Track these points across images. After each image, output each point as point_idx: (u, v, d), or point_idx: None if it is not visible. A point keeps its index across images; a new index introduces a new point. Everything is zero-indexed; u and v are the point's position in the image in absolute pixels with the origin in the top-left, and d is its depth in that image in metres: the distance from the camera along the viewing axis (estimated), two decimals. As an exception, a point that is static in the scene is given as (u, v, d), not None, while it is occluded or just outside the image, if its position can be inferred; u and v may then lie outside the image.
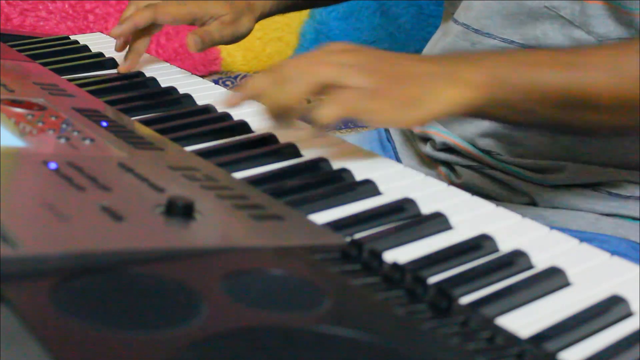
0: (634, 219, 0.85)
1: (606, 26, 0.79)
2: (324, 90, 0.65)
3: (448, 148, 0.91)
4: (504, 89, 0.66)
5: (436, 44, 0.95)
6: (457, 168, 0.91)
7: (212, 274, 0.45)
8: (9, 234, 0.43)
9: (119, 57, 0.99)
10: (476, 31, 0.87)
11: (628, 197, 0.85)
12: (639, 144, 0.84)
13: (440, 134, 0.91)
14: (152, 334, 0.37)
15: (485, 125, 0.87)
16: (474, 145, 0.89)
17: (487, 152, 0.88)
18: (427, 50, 0.98)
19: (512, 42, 0.84)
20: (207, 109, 0.82)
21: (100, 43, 1.06)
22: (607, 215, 0.85)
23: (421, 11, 1.95)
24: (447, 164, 0.92)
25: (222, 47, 1.92)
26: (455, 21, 0.90)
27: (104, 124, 0.70)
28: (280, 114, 0.66)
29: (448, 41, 0.91)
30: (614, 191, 0.85)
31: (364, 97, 0.64)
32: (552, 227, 0.60)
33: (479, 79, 0.66)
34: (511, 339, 0.44)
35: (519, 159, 0.86)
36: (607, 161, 0.84)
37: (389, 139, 1.04)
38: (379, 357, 0.40)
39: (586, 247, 0.57)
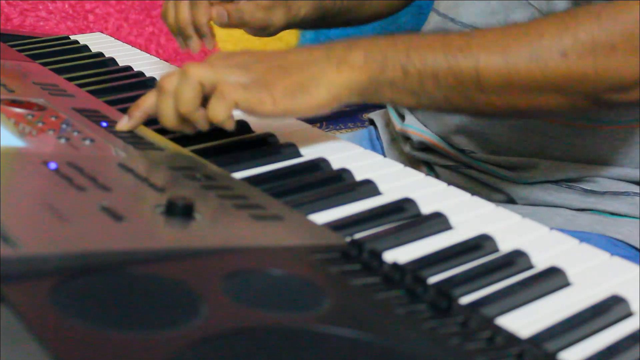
0: (610, 213, 0.85)
1: None
2: (210, 91, 0.65)
3: (426, 147, 0.91)
4: (392, 71, 0.66)
5: None
6: (436, 167, 0.91)
7: (212, 274, 0.45)
8: (9, 234, 0.43)
9: (119, 57, 0.99)
10: (452, 20, 0.87)
11: (604, 193, 0.85)
12: (610, 140, 0.84)
13: (418, 132, 0.92)
14: (152, 334, 0.37)
15: (457, 120, 0.87)
16: (449, 143, 0.89)
17: (461, 150, 0.88)
18: None
19: None
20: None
21: (100, 43, 1.07)
22: (584, 210, 0.85)
23: (421, 11, 1.94)
24: (427, 163, 0.93)
25: (221, 47, 1.92)
26: (436, 11, 0.91)
27: (104, 124, 0.70)
28: (181, 123, 0.67)
29: (428, 30, 0.92)
30: (589, 187, 0.85)
31: (247, 89, 0.65)
32: None
33: (362, 61, 0.66)
34: (511, 339, 0.44)
35: (492, 156, 0.87)
36: (579, 157, 0.85)
37: (378, 138, 1.04)
38: (379, 357, 0.40)
39: (586, 247, 0.57)
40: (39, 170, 0.55)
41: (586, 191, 0.85)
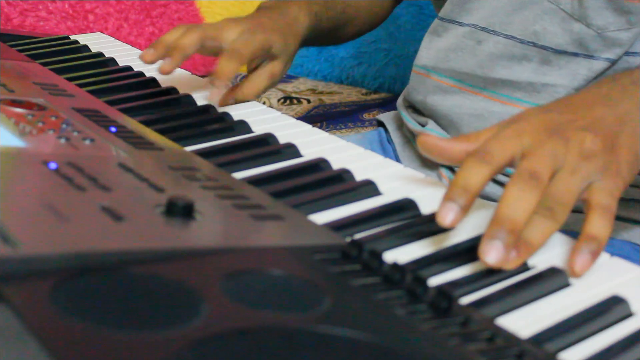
0: (635, 221, 0.85)
1: (604, 18, 0.79)
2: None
3: None
4: None
5: (430, 43, 0.95)
6: (456, 169, 0.91)
7: (212, 274, 0.45)
8: (9, 234, 0.43)
9: (118, 57, 0.99)
10: (483, 29, 0.87)
11: (628, 200, 0.84)
12: None
13: (438, 136, 0.91)
14: (152, 334, 0.37)
15: (481, 127, 0.87)
16: None
17: None
18: (423, 52, 0.97)
19: (512, 37, 0.85)
20: (207, 109, 0.82)
21: (100, 43, 1.07)
22: None
23: (421, 11, 1.94)
24: (448, 166, 0.92)
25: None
26: (460, 23, 0.90)
27: (104, 124, 0.70)
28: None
29: (452, 42, 0.91)
30: None
31: (602, 181, 0.57)
32: None
33: None
34: (511, 339, 0.44)
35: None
36: None
37: (389, 141, 1.04)
38: (379, 357, 0.40)
39: (586, 248, 0.57)
40: (39, 170, 0.55)
41: None
